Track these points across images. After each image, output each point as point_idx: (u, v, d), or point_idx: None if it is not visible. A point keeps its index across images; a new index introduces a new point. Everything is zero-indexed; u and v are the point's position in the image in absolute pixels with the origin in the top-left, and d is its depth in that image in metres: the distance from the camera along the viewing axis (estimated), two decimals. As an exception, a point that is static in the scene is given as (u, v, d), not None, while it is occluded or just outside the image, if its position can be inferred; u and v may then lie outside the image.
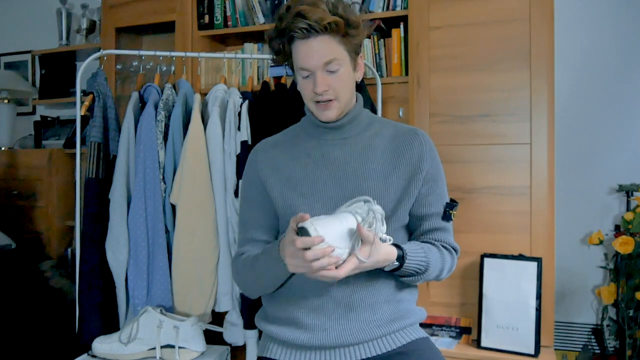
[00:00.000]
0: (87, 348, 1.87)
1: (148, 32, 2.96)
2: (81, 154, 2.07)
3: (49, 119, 3.46)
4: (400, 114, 2.43)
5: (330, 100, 1.25)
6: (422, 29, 2.22)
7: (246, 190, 1.39)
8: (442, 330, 2.17)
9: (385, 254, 1.15)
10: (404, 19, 2.33)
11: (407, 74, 2.34)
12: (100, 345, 1.81)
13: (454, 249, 1.34)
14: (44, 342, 2.51)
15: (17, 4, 3.64)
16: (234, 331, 2.07)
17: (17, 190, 3.08)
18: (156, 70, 2.25)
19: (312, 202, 1.26)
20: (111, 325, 2.00)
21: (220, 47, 2.82)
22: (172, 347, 1.79)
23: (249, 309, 2.03)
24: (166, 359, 1.80)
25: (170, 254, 2.00)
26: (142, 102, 2.11)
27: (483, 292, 2.06)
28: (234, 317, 2.08)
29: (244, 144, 2.05)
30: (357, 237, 1.10)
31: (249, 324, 2.05)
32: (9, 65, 3.60)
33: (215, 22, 2.64)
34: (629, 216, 2.27)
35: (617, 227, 2.40)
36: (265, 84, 2.23)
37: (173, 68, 2.57)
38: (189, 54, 2.25)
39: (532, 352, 1.97)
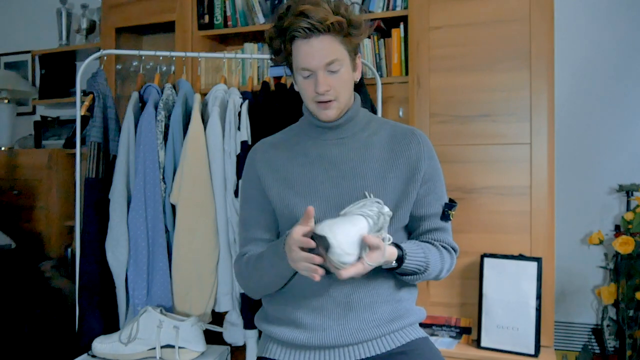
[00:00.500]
0: (87, 348, 1.87)
1: (148, 32, 2.96)
2: (81, 154, 2.07)
3: (49, 119, 3.46)
4: (400, 114, 2.43)
5: (331, 100, 1.25)
6: (422, 29, 2.22)
7: (246, 190, 1.39)
8: (442, 330, 2.17)
9: (387, 254, 1.16)
10: (404, 19, 2.33)
11: (407, 74, 2.34)
12: (100, 345, 1.81)
13: (453, 248, 1.34)
14: (44, 342, 2.51)
15: (17, 4, 3.64)
16: (234, 331, 2.07)
17: (17, 190, 3.08)
18: (156, 70, 2.26)
19: (309, 201, 1.26)
20: (111, 325, 2.00)
21: (220, 47, 2.82)
22: (172, 347, 1.79)
23: (249, 309, 2.03)
24: (166, 359, 1.80)
25: (170, 254, 2.00)
26: (142, 102, 2.11)
27: (483, 292, 2.06)
28: (234, 317, 2.08)
29: (244, 143, 2.05)
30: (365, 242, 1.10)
31: (248, 324, 2.05)
32: (9, 65, 3.60)
33: (215, 22, 2.64)
34: (629, 216, 2.27)
35: (617, 227, 2.40)
36: (265, 84, 2.23)
37: (173, 68, 2.57)
38: (189, 54, 2.25)
39: (532, 352, 1.97)
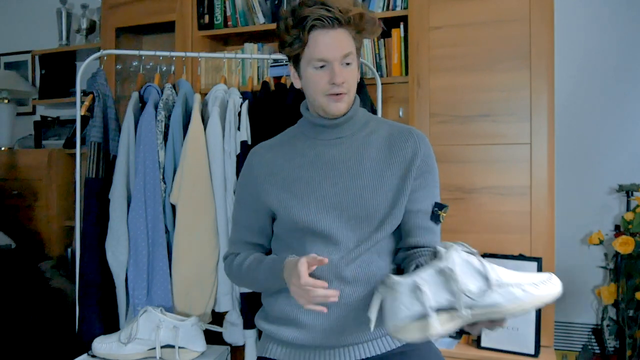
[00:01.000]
0: (87, 348, 1.87)
1: (148, 32, 2.96)
2: (81, 154, 2.07)
3: (49, 119, 3.46)
4: (400, 114, 2.43)
5: (344, 93, 1.26)
6: (422, 29, 2.22)
7: (240, 192, 1.41)
8: (442, 330, 2.17)
9: None
10: (404, 19, 2.33)
11: (407, 74, 2.34)
12: (100, 345, 1.81)
13: None
14: (44, 342, 2.50)
15: (17, 4, 3.64)
16: (234, 331, 2.07)
17: (17, 190, 3.08)
18: (156, 70, 2.25)
19: (306, 202, 1.26)
20: (111, 325, 2.00)
21: (220, 47, 2.82)
22: (172, 347, 1.79)
23: (249, 309, 2.03)
24: (166, 359, 1.80)
25: (170, 254, 2.00)
26: (142, 102, 2.11)
27: (483, 292, 2.06)
28: (234, 317, 2.08)
29: (243, 143, 2.05)
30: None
31: (248, 324, 2.05)
32: (9, 65, 3.60)
33: (215, 22, 2.64)
34: (629, 216, 2.27)
35: (617, 227, 2.40)
36: (265, 84, 2.23)
37: (173, 68, 2.57)
38: (189, 54, 2.25)
39: (532, 352, 1.96)
